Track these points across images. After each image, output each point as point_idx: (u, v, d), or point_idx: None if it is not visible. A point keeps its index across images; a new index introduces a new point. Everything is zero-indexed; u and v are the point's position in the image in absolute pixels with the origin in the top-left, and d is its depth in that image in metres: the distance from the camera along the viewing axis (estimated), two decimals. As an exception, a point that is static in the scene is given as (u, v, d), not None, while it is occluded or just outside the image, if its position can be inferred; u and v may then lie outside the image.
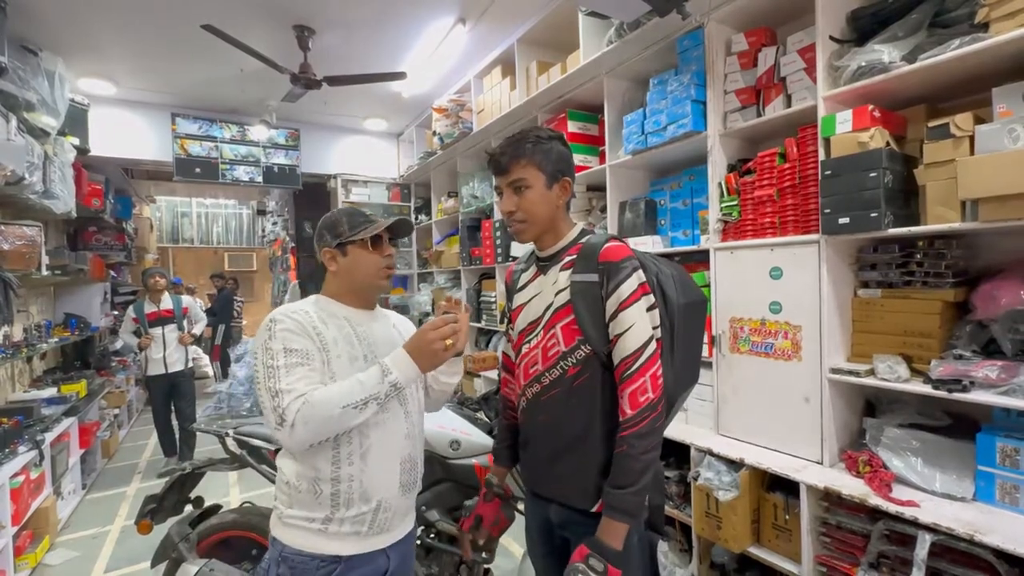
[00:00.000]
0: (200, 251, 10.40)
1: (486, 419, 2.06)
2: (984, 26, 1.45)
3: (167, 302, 4.05)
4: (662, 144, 2.32)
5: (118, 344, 5.30)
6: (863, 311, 1.81)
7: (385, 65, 3.70)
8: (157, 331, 3.93)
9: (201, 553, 1.89)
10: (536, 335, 1.18)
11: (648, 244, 2.41)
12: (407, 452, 1.18)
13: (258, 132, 4.59)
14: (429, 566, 1.78)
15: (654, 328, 1.07)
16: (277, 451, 1.93)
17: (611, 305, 1.06)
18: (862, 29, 1.74)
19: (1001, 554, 1.29)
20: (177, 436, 4.10)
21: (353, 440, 1.09)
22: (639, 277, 1.07)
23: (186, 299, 4.24)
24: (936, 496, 1.52)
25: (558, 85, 2.92)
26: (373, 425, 1.11)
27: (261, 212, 8.23)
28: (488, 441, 1.81)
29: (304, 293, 5.36)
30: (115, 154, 4.32)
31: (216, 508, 2.07)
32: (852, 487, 1.60)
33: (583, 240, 1.15)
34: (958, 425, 1.67)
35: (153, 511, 1.98)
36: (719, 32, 2.15)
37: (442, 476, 1.80)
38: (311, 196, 5.70)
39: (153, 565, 1.91)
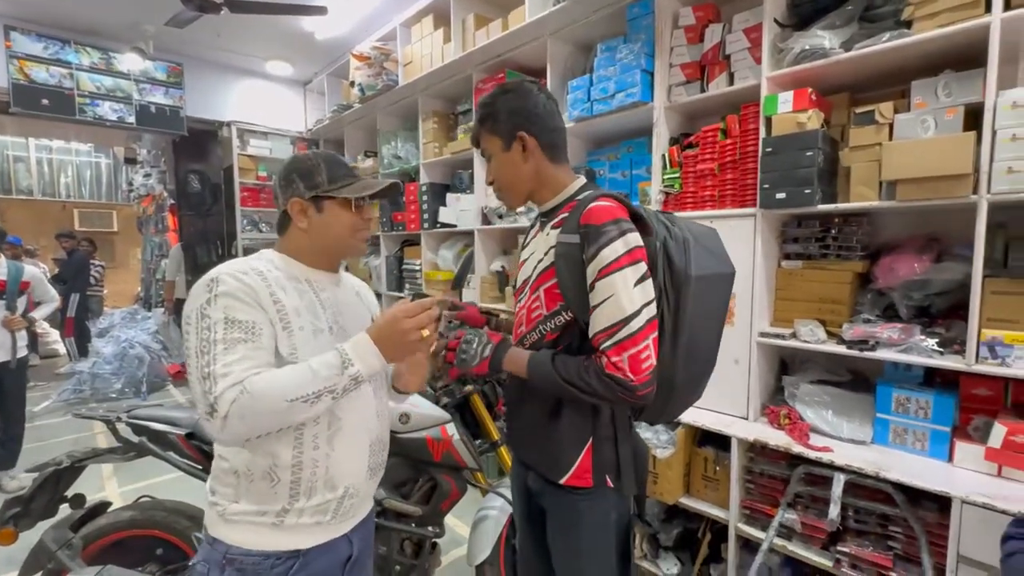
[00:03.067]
0: (42, 205, 8.61)
1: (431, 389, 1.96)
2: (908, 23, 1.61)
3: (0, 270, 3.03)
4: (608, 112, 2.32)
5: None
6: (785, 280, 1.98)
7: (297, -3, 3.24)
8: None
9: (89, 559, 1.59)
10: (524, 295, 1.14)
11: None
12: (376, 433, 1.07)
13: (129, 62, 3.82)
14: (376, 546, 1.66)
15: (646, 303, 0.94)
16: (188, 435, 1.67)
17: (590, 273, 0.96)
18: (802, 15, 1.84)
19: (897, 486, 1.51)
20: None
21: (321, 420, 0.96)
22: (627, 243, 0.94)
23: (31, 269, 3.21)
24: (843, 442, 1.74)
25: (497, 43, 2.77)
26: (345, 405, 0.98)
27: (130, 161, 6.92)
28: (439, 413, 1.72)
29: (191, 258, 4.67)
30: (-82, 71, 3.34)
31: (104, 506, 1.74)
32: (776, 438, 1.78)
33: (580, 196, 1.08)
34: (856, 379, 1.93)
35: (17, 516, 1.61)
36: (667, 3, 2.16)
37: (390, 451, 1.68)
38: (197, 145, 4.94)
39: (20, 580, 1.57)
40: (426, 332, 0.92)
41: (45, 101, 3.62)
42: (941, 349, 1.56)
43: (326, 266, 1.07)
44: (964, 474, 1.50)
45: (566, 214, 1.06)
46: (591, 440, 1.07)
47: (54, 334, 6.93)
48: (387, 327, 0.92)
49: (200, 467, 1.66)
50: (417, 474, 1.74)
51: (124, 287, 10.43)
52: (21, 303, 3.12)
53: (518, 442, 1.20)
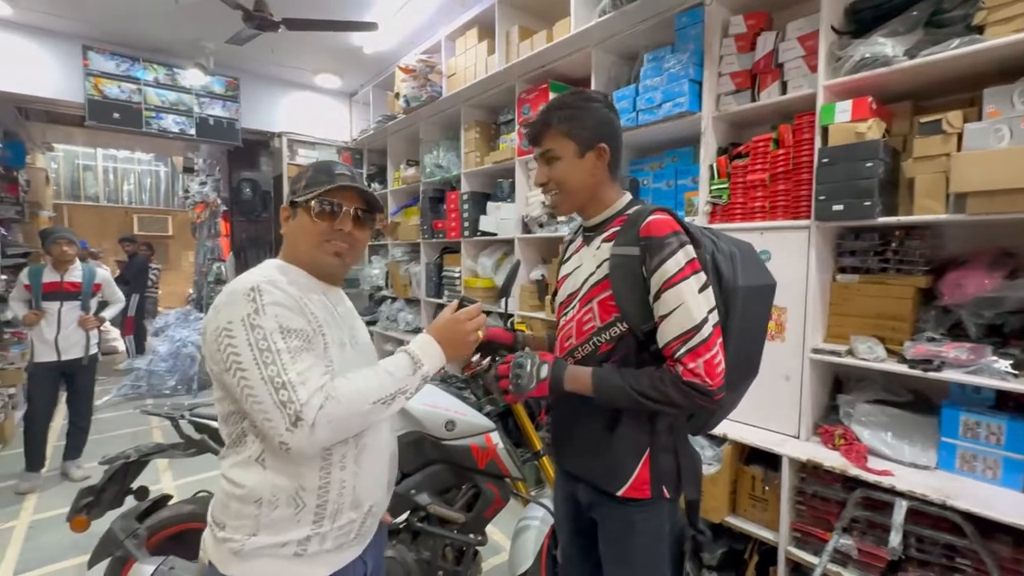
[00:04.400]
0: (106, 210, 9.21)
1: (474, 397, 1.98)
2: (979, 29, 1.54)
3: (76, 273, 3.23)
4: (654, 122, 2.30)
5: (9, 314, 4.56)
6: (840, 295, 1.91)
7: (347, 12, 3.38)
8: (52, 306, 3.11)
9: (151, 550, 1.68)
10: (573, 308, 1.14)
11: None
12: (392, 447, 1.08)
13: (192, 77, 4.06)
14: (419, 551, 1.69)
15: (711, 310, 0.98)
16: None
17: (655, 284, 0.98)
18: (861, 22, 1.79)
19: (967, 516, 1.42)
20: (66, 434, 3.31)
21: (348, 440, 0.93)
22: (687, 253, 0.98)
23: (102, 272, 3.46)
24: (904, 466, 1.66)
25: (542, 54, 2.80)
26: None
27: (188, 170, 7.33)
28: (484, 421, 1.73)
29: (242, 262, 4.89)
30: (8, 88, 3.64)
31: (165, 499, 1.85)
32: (831, 459, 1.71)
33: (630, 211, 1.08)
34: (917, 400, 1.83)
35: (90, 505, 1.72)
36: (717, 12, 2.14)
37: (435, 457, 1.71)
38: (250, 154, 5.19)
39: (91, 565, 1.68)
40: (480, 333, 1.01)
41: (116, 115, 3.89)
42: (1016, 371, 1.47)
43: (325, 278, 1.02)
44: (1042, 506, 1.41)
45: (617, 228, 1.08)
46: (648, 451, 1.07)
47: (114, 331, 7.38)
48: (450, 328, 0.97)
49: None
50: (461, 481, 1.76)
51: (176, 288, 11.01)
52: (92, 304, 3.34)
53: (568, 454, 1.20)
